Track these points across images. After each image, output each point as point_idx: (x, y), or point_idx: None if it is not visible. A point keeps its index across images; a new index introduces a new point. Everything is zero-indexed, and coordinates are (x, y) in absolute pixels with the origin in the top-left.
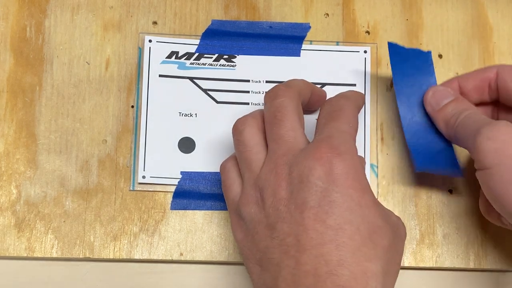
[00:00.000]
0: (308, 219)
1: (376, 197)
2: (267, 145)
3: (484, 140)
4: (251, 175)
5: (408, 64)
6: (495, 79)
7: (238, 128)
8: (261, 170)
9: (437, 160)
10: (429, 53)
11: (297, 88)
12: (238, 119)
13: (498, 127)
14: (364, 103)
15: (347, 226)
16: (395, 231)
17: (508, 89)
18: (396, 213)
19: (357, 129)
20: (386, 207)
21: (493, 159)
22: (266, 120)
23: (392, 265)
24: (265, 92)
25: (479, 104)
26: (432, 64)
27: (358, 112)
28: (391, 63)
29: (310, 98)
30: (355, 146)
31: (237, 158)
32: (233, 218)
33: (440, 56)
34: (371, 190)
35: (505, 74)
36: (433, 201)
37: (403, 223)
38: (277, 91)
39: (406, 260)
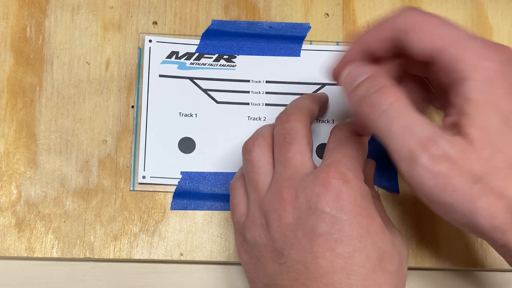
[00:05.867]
0: (318, 246)
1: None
2: (275, 166)
3: (425, 175)
4: (257, 196)
5: None
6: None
7: (247, 148)
8: (266, 192)
9: (379, 172)
10: None
11: (308, 111)
12: (249, 138)
13: (438, 159)
14: None
15: (356, 254)
16: (400, 252)
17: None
18: (396, 213)
19: (365, 156)
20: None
21: (434, 197)
22: (275, 142)
23: None
24: (278, 114)
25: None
26: None
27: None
28: None
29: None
30: (362, 173)
31: (245, 177)
32: (238, 238)
33: None
34: (378, 216)
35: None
36: None
37: (405, 242)
38: (289, 115)
39: None
